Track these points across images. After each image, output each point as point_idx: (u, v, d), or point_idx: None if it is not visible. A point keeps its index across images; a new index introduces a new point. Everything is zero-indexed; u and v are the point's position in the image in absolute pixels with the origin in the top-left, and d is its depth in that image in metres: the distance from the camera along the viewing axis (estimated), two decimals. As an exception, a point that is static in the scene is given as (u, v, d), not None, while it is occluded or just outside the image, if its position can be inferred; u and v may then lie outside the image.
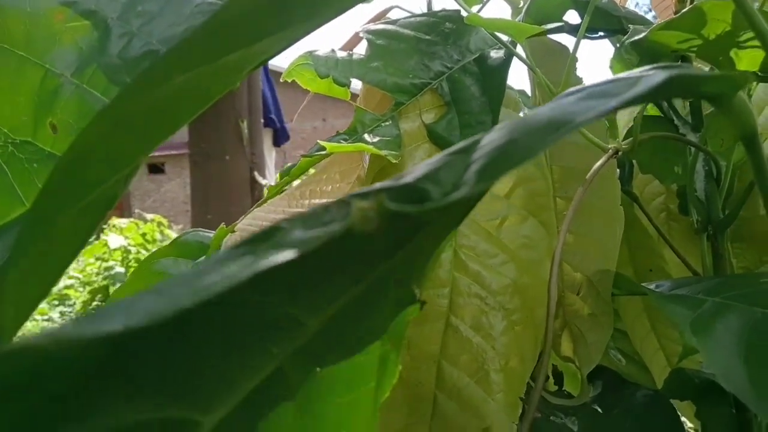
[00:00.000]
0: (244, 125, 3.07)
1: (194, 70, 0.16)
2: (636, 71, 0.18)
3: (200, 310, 0.09)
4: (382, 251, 0.14)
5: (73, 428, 0.10)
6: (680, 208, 0.53)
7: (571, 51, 0.41)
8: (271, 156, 3.64)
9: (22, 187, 0.22)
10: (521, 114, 0.39)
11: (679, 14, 0.31)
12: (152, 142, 0.18)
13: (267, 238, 0.11)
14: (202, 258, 0.37)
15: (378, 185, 0.14)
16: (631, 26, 0.36)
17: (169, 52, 0.19)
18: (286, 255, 0.10)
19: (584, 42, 0.44)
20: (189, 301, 0.09)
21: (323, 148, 0.33)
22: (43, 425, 0.09)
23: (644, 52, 0.36)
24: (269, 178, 3.33)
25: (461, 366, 0.34)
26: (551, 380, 0.44)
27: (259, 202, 0.39)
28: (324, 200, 0.49)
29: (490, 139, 0.14)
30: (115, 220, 5.03)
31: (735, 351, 0.26)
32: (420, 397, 0.34)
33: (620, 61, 0.47)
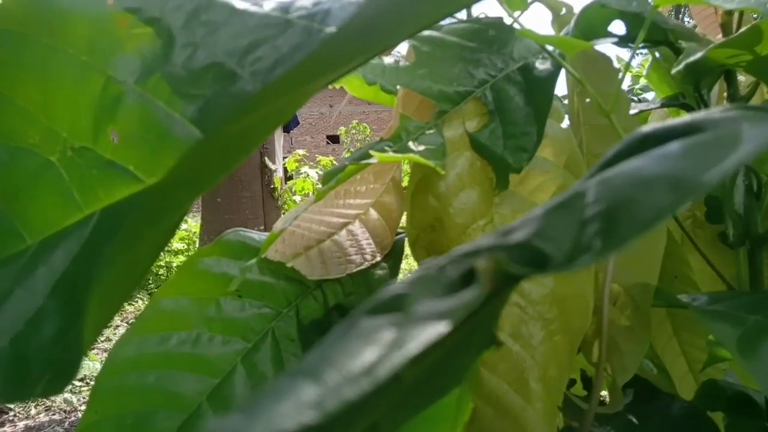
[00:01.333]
0: None
1: (282, 98, 0.17)
2: (718, 112, 0.19)
3: (364, 401, 0.10)
4: (482, 302, 0.15)
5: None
6: (707, 216, 0.55)
7: (613, 60, 0.41)
8: (279, 141, 3.64)
9: (80, 193, 0.23)
10: (563, 125, 0.40)
11: (738, 33, 0.32)
12: (232, 165, 0.19)
13: (397, 307, 0.12)
14: (252, 261, 0.38)
15: (486, 241, 0.15)
16: (682, 42, 0.37)
17: (269, 84, 0.20)
18: (434, 331, 0.11)
19: (611, 47, 0.45)
20: (353, 392, 0.10)
21: (370, 156, 0.34)
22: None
23: (690, 67, 0.37)
24: (278, 163, 3.33)
25: (500, 374, 0.35)
26: (580, 384, 0.46)
27: (306, 204, 0.40)
28: (359, 200, 0.50)
29: (599, 193, 0.15)
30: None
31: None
32: (459, 402, 0.35)
33: (658, 71, 0.48)
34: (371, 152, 0.34)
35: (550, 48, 0.38)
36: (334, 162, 5.31)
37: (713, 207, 0.53)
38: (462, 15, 0.44)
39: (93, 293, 0.18)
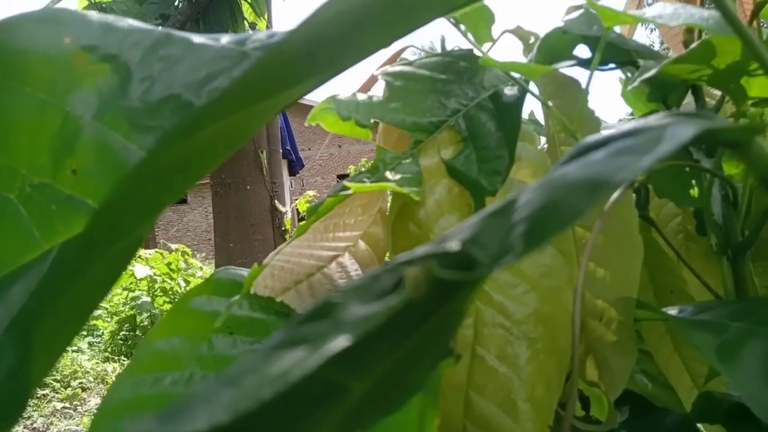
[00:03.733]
0: (264, 155, 3.11)
1: (228, 117, 0.17)
2: (655, 119, 0.18)
3: (277, 402, 0.09)
4: (424, 313, 0.14)
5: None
6: (698, 229, 0.53)
7: (581, 83, 0.41)
8: (286, 184, 3.68)
9: (39, 229, 0.22)
10: (539, 146, 0.39)
11: (689, 50, 0.31)
12: (183, 187, 0.18)
13: (325, 314, 0.11)
14: (236, 297, 0.37)
15: (422, 250, 0.14)
16: (641, 60, 0.36)
17: (208, 103, 0.19)
18: (350, 337, 0.10)
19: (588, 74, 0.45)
20: (268, 393, 0.09)
21: (347, 188, 0.33)
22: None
23: (655, 83, 0.36)
24: (287, 205, 3.35)
25: (488, 395, 0.33)
26: (578, 405, 0.44)
27: (289, 240, 0.39)
28: (347, 233, 0.49)
29: (527, 199, 0.14)
30: (141, 251, 5.08)
31: (762, 377, 0.26)
32: (450, 427, 0.33)
33: (631, 91, 0.47)
34: (346, 184, 0.34)
35: (516, 75, 0.37)
36: None
37: (703, 220, 0.51)
38: (436, 43, 0.44)
39: (36, 332, 0.17)
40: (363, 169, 0.35)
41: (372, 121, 0.38)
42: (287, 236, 3.23)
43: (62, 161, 0.22)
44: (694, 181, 0.46)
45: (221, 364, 0.38)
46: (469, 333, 0.35)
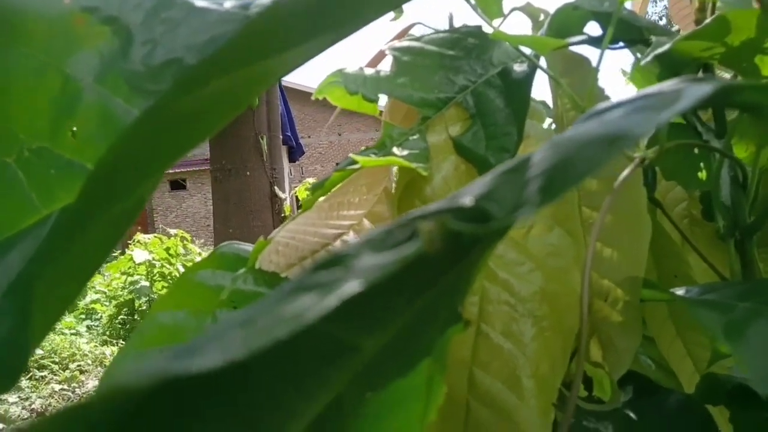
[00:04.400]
0: (264, 141, 3.10)
1: (228, 75, 0.16)
2: (669, 84, 0.18)
3: (292, 341, 0.09)
4: (438, 270, 0.14)
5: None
6: (703, 213, 0.53)
7: (591, 62, 0.40)
8: (286, 171, 3.67)
9: (39, 194, 0.21)
10: (545, 125, 0.38)
11: (703, 24, 0.31)
12: (182, 149, 0.18)
13: (338, 263, 0.11)
14: (241, 271, 0.37)
15: (435, 206, 0.14)
16: (653, 37, 0.36)
17: (206, 58, 0.19)
18: (362, 283, 0.10)
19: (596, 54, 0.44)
20: (283, 331, 0.09)
21: (354, 162, 0.33)
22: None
23: (666, 62, 0.36)
24: (286, 192, 3.35)
25: (493, 372, 0.33)
26: (581, 386, 0.44)
27: (294, 215, 0.39)
28: (352, 211, 0.49)
29: (541, 157, 0.14)
30: (140, 236, 5.09)
31: (769, 356, 0.26)
32: (453, 403, 0.33)
33: (641, 70, 0.47)
34: (354, 157, 0.33)
35: (527, 50, 0.37)
36: None
37: (709, 205, 0.51)
38: (444, 25, 0.44)
39: (35, 293, 0.17)
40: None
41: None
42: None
43: (62, 125, 0.22)
44: (702, 164, 0.46)
45: (224, 339, 0.38)
46: (474, 310, 0.35)
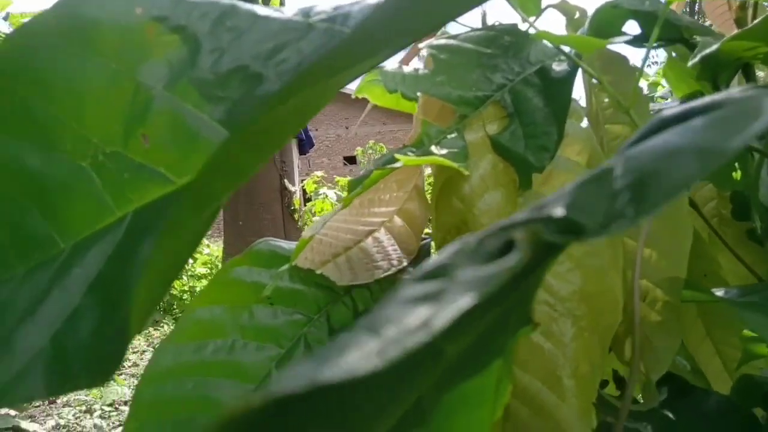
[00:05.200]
0: None
1: (309, 89, 0.17)
2: (737, 92, 0.18)
3: (408, 359, 0.09)
4: (522, 278, 0.14)
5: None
6: (733, 213, 0.53)
7: (628, 60, 0.41)
8: (296, 164, 3.67)
9: (112, 196, 0.22)
10: (583, 125, 0.39)
11: (752, 25, 0.31)
12: (267, 155, 0.19)
13: (443, 273, 0.12)
14: (284, 268, 0.38)
15: (522, 216, 0.14)
16: (696, 37, 0.36)
17: (292, 78, 0.19)
18: (475, 295, 0.11)
19: (630, 52, 0.44)
20: (412, 342, 0.09)
21: (394, 161, 0.33)
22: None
23: (707, 61, 0.36)
24: (296, 185, 3.35)
25: (533, 371, 0.34)
26: (612, 385, 0.44)
27: (333, 212, 0.40)
28: (383, 208, 0.49)
29: (625, 168, 0.14)
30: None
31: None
32: (492, 401, 0.34)
33: (673, 67, 0.47)
34: (396, 156, 0.34)
35: (566, 49, 0.37)
36: None
37: (740, 204, 0.51)
38: (476, 23, 0.44)
39: (139, 283, 0.18)
40: (370, 151, 0.36)
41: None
42: (296, 216, 3.22)
43: (134, 130, 0.22)
44: (737, 164, 0.46)
45: (262, 333, 0.39)
46: (513, 309, 0.35)
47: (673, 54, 0.46)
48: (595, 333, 0.35)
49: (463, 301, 0.11)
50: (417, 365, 0.10)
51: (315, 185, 5.13)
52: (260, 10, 0.24)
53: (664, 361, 0.35)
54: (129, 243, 0.21)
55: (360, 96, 0.37)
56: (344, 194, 0.39)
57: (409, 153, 0.37)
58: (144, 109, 0.22)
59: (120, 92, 0.22)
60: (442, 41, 0.40)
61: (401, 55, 0.44)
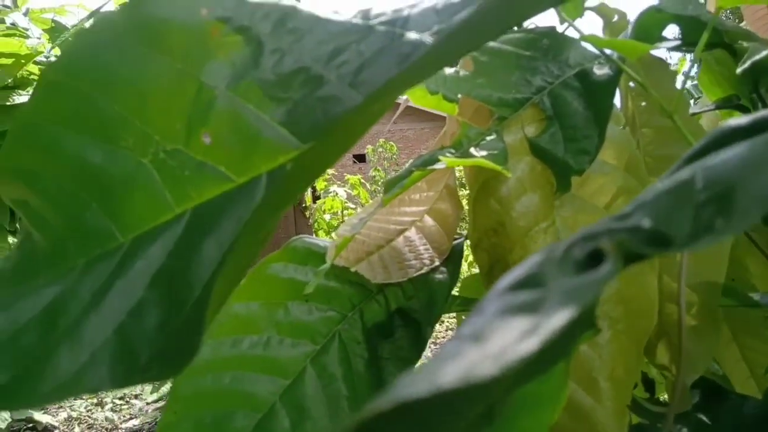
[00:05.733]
0: None
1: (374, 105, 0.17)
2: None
3: (530, 359, 0.09)
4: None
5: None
6: (764, 219, 0.52)
7: (669, 64, 0.40)
8: None
9: (172, 192, 0.22)
10: (621, 128, 0.38)
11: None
12: (339, 157, 0.19)
13: (536, 283, 0.12)
14: (325, 266, 0.38)
15: (603, 225, 0.14)
16: (743, 42, 0.36)
17: (379, 88, 0.19)
18: (574, 308, 0.11)
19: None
20: (512, 357, 0.09)
21: (435, 161, 0.33)
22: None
23: (752, 67, 0.36)
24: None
25: (570, 374, 0.34)
26: (641, 387, 0.44)
27: (372, 211, 0.40)
28: (413, 208, 0.49)
29: (708, 179, 0.14)
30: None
31: None
32: (527, 402, 0.34)
33: (709, 73, 0.47)
34: (440, 158, 0.34)
35: (608, 52, 0.37)
36: (362, 180, 5.28)
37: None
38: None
39: (220, 275, 0.18)
40: (380, 149, 0.35)
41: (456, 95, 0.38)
42: (306, 213, 3.21)
43: (196, 129, 0.22)
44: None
45: (297, 330, 0.39)
46: (549, 311, 0.35)
47: (706, 58, 0.45)
48: (630, 336, 0.35)
49: (565, 313, 0.11)
50: (522, 373, 0.10)
51: (325, 183, 5.12)
52: (320, 12, 0.24)
53: (699, 365, 0.35)
54: (189, 239, 0.21)
55: (403, 98, 0.37)
56: (356, 192, 0.39)
57: (448, 154, 0.37)
58: (206, 109, 0.22)
59: (183, 91, 0.22)
60: (481, 43, 0.40)
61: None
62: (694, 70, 0.49)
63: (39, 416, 2.56)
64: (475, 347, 0.10)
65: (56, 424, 2.60)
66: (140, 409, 2.81)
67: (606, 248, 0.13)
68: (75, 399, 2.96)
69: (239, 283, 0.18)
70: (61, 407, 2.84)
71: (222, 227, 0.21)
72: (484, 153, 0.36)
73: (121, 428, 2.60)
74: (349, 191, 4.98)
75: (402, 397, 0.09)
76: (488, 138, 0.37)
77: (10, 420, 2.45)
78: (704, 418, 0.33)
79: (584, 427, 0.32)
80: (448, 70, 0.38)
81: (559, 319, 0.10)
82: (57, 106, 0.22)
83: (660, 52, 0.46)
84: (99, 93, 0.22)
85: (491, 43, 0.40)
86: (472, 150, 0.36)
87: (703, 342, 0.35)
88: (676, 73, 0.37)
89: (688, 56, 0.48)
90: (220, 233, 0.21)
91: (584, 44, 0.39)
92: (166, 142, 0.22)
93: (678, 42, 0.38)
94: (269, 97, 0.22)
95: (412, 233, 0.47)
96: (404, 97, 0.45)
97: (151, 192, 0.22)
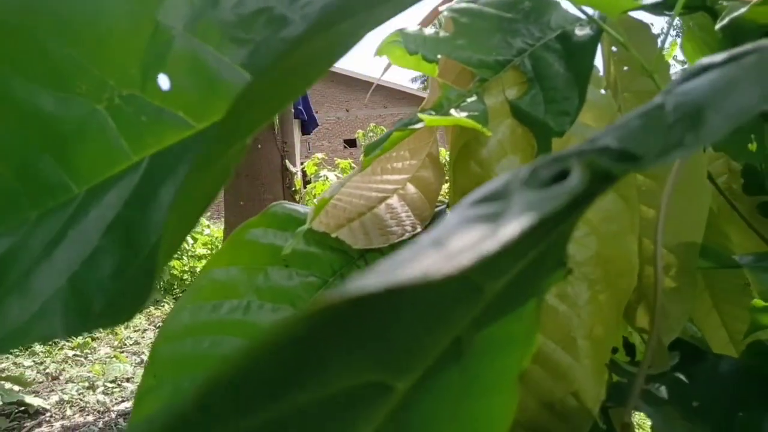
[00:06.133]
0: (276, 115, 3.04)
1: (326, 33, 0.16)
2: (756, 45, 0.16)
3: (445, 282, 0.08)
4: (568, 213, 0.13)
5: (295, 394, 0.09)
6: (744, 187, 0.51)
7: (650, 27, 0.39)
8: (297, 145, 3.60)
9: (129, 140, 0.21)
10: (602, 91, 0.37)
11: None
12: (292, 97, 0.17)
13: (500, 197, 0.11)
14: (302, 229, 0.37)
15: (573, 149, 0.13)
16: (723, 2, 0.34)
17: (316, 19, 0.18)
18: (531, 217, 0.09)
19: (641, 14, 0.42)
20: (467, 258, 0.08)
21: (417, 121, 0.32)
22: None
23: (729, 29, 0.34)
24: (297, 166, 3.30)
25: (548, 333, 0.33)
26: (622, 352, 0.43)
27: (350, 175, 0.39)
28: (395, 176, 0.48)
29: (679, 103, 0.13)
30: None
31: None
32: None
33: (692, 40, 0.45)
34: (420, 116, 0.32)
35: (590, 12, 0.35)
36: (353, 164, 5.20)
37: (751, 178, 0.50)
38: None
39: (169, 216, 0.16)
40: (371, 134, 0.34)
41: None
42: (297, 197, 3.18)
43: (152, 73, 0.21)
44: (753, 136, 0.44)
45: (277, 295, 0.38)
46: (528, 273, 0.34)
47: (690, 24, 0.44)
48: (610, 297, 0.34)
49: (525, 219, 0.09)
50: (495, 264, 0.09)
51: (315, 167, 5.05)
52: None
53: (676, 325, 0.34)
54: (147, 186, 0.20)
55: (381, 56, 0.35)
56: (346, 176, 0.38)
57: (430, 115, 0.35)
58: (163, 50, 0.21)
59: (138, 32, 0.20)
60: (463, 4, 0.38)
61: (421, 17, 0.42)
62: (673, 31, 0.48)
63: (30, 399, 2.53)
64: (433, 250, 0.09)
65: (48, 407, 2.58)
66: (132, 392, 2.80)
67: (574, 167, 0.11)
68: (66, 383, 2.93)
69: (195, 225, 0.16)
70: (53, 391, 2.82)
71: (179, 174, 0.20)
72: (464, 114, 0.35)
73: (113, 411, 2.59)
74: (339, 176, 4.93)
75: (353, 291, 0.07)
76: (469, 100, 0.36)
77: (1, 403, 2.43)
78: (681, 377, 0.32)
79: (563, 386, 0.31)
80: (428, 31, 0.36)
81: (518, 224, 0.09)
82: (4, 48, 0.20)
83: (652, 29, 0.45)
84: (50, 36, 0.21)
85: (472, 5, 0.38)
86: (453, 111, 0.35)
87: (680, 302, 0.34)
88: (658, 37, 0.36)
89: (673, 26, 0.46)
90: (177, 180, 0.20)
91: (566, 7, 0.38)
92: (122, 86, 0.21)
93: (659, 0, 0.36)
94: (229, 38, 0.21)
95: (394, 201, 0.46)
96: (378, 75, 0.43)
97: (106, 140, 0.21)
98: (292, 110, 3.48)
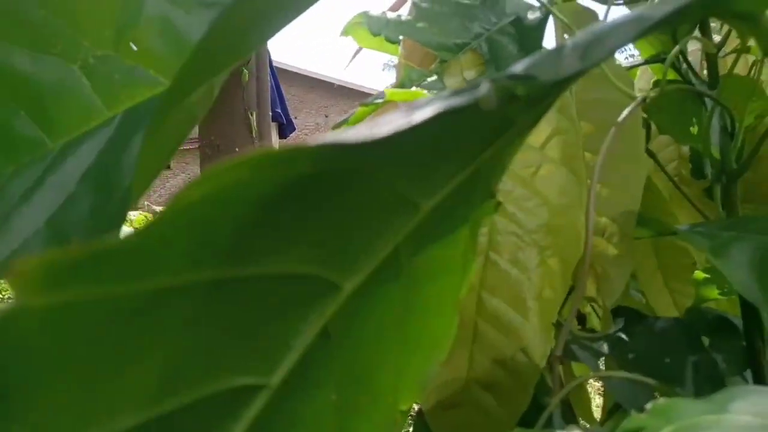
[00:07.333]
0: (254, 118, 3.03)
1: None
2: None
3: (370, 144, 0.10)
4: (488, 136, 0.15)
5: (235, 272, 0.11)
6: (692, 172, 0.54)
7: (598, 15, 0.41)
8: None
9: (103, 98, 0.22)
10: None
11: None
12: (241, 54, 0.19)
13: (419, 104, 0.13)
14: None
15: (489, 77, 0.15)
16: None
17: None
18: (440, 106, 0.11)
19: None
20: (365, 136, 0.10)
21: (381, 96, 0.34)
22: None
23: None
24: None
25: (500, 295, 0.35)
26: (575, 322, 0.46)
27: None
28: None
29: (575, 42, 0.15)
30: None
31: (748, 267, 0.28)
32: (462, 324, 0.35)
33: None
34: (386, 90, 0.34)
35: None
36: None
37: (697, 162, 0.53)
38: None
39: (141, 152, 0.18)
40: None
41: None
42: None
43: (125, 33, 0.22)
44: (695, 119, 0.47)
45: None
46: (484, 240, 0.36)
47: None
48: (558, 262, 0.36)
49: (435, 107, 0.11)
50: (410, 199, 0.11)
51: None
52: None
53: (617, 287, 0.36)
54: (121, 136, 0.21)
55: (346, 36, 0.37)
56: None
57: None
58: (135, 13, 0.22)
59: (112, -5, 0.22)
60: (424, -9, 0.40)
61: (389, 3, 0.44)
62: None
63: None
64: (365, 128, 0.11)
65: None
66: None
67: (483, 83, 0.13)
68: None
69: (163, 165, 0.18)
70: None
71: (151, 123, 0.21)
72: (425, 92, 0.37)
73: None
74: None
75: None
76: (429, 79, 0.38)
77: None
78: (623, 336, 0.35)
79: (513, 343, 0.34)
80: (391, 15, 0.38)
81: (427, 111, 0.11)
82: (-18, 8, 0.21)
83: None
84: (27, -2, 0.22)
85: (433, -8, 0.40)
86: (414, 89, 0.37)
87: (619, 266, 0.37)
88: (603, 22, 0.38)
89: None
90: (149, 128, 0.21)
91: (520, -5, 0.40)
92: (96, 47, 0.22)
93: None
94: (198, 2, 0.22)
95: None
96: (358, 82, 0.45)
97: (81, 98, 0.22)
98: (270, 113, 3.46)
